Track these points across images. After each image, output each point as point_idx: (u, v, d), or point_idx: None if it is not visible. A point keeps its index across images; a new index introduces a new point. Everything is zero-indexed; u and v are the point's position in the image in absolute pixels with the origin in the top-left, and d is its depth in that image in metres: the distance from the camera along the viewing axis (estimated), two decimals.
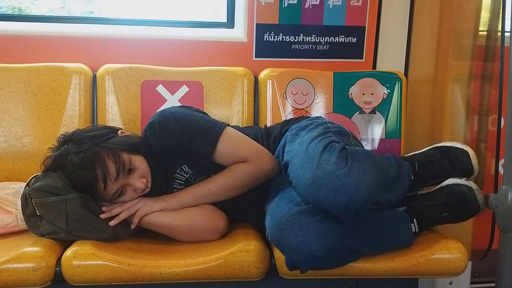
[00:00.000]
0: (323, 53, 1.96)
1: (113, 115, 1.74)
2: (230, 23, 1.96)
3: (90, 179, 1.30)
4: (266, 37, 1.92)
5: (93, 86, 1.76)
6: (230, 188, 1.40)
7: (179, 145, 1.38)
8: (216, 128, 1.40)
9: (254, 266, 1.26)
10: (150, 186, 1.39)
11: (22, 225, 1.44)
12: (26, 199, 1.36)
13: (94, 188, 1.32)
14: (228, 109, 1.79)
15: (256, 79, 1.84)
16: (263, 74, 1.83)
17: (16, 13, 1.93)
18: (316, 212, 1.17)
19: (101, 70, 1.77)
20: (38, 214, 1.35)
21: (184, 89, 1.78)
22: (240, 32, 1.94)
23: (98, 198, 1.36)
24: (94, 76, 1.77)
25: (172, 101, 1.77)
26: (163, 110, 1.43)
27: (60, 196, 1.32)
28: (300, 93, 1.82)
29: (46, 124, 1.71)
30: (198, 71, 1.81)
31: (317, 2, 1.90)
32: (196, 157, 1.40)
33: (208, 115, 1.52)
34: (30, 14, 1.90)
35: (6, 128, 1.69)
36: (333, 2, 1.91)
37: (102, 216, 1.33)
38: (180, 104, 1.74)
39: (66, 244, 1.31)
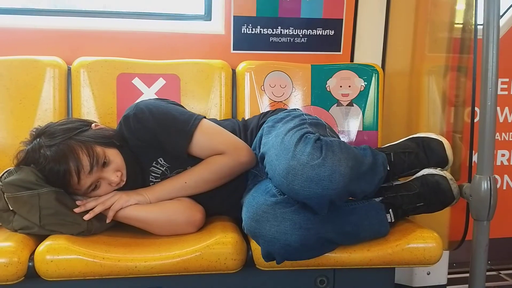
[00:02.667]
0: (301, 46, 1.96)
1: (88, 108, 1.71)
2: (207, 15, 1.95)
3: (63, 173, 1.28)
4: (244, 30, 1.91)
5: (68, 80, 1.73)
6: (206, 181, 1.39)
7: (155, 138, 1.36)
8: (192, 121, 1.38)
9: (231, 258, 1.26)
10: (125, 179, 1.37)
11: None
12: None
13: (68, 182, 1.30)
14: (206, 102, 1.78)
15: (234, 72, 1.83)
16: (240, 67, 1.82)
17: None
18: (292, 203, 1.17)
19: (76, 63, 1.74)
20: (11, 208, 1.32)
21: (160, 82, 1.77)
22: (217, 24, 1.93)
23: (72, 192, 1.34)
24: (69, 70, 1.74)
25: (148, 94, 1.75)
26: (138, 102, 1.41)
27: (33, 190, 1.30)
28: (278, 86, 1.81)
29: (19, 118, 1.68)
30: (175, 64, 1.80)
31: None
32: (172, 150, 1.38)
33: (184, 108, 1.51)
34: (1, 7, 1.85)
35: None
36: None
37: (77, 210, 1.31)
38: (157, 97, 1.72)
39: (39, 239, 1.28)
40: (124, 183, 1.37)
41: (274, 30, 1.93)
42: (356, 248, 1.29)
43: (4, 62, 1.69)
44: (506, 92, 2.25)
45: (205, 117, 1.44)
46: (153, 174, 1.44)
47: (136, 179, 1.41)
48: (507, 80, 2.24)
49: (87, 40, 1.85)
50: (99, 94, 1.72)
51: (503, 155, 2.28)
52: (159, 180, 1.43)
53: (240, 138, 1.47)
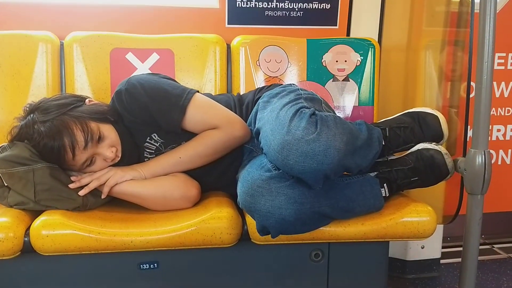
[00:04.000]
0: (296, 20, 1.93)
1: (81, 84, 1.70)
2: None
3: (58, 149, 1.28)
4: (239, 3, 1.89)
5: (61, 55, 1.71)
6: (201, 155, 1.39)
7: (147, 113, 1.35)
8: (185, 95, 1.37)
9: (226, 233, 1.26)
10: (120, 155, 1.37)
11: None
12: None
13: (62, 157, 1.29)
14: (201, 77, 1.77)
15: (228, 47, 1.81)
16: (235, 42, 1.80)
17: None
18: (286, 177, 1.17)
19: (69, 38, 1.71)
20: (5, 184, 1.32)
21: (154, 57, 1.75)
22: None
23: (67, 168, 1.34)
24: (62, 45, 1.72)
25: (142, 69, 1.73)
26: (130, 77, 1.39)
27: (27, 166, 1.29)
28: (274, 61, 1.80)
29: (13, 94, 1.66)
30: (168, 38, 1.77)
31: None
32: (166, 124, 1.38)
33: (177, 82, 1.49)
34: None
35: None
36: None
37: (71, 185, 1.31)
38: (150, 72, 1.71)
39: (35, 214, 1.29)
40: (119, 158, 1.37)
41: (270, 3, 1.90)
42: (351, 222, 1.30)
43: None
44: (503, 67, 2.23)
45: (198, 91, 1.43)
46: (148, 150, 1.44)
47: (131, 155, 1.41)
48: (504, 55, 2.23)
49: (80, 15, 1.82)
50: (92, 69, 1.70)
51: (498, 130, 2.29)
52: (154, 156, 1.43)
53: (235, 113, 1.46)
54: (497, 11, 2.10)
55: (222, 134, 1.38)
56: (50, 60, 1.68)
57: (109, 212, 1.35)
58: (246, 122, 1.44)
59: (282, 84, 1.60)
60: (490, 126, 2.25)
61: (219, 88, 1.78)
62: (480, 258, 1.43)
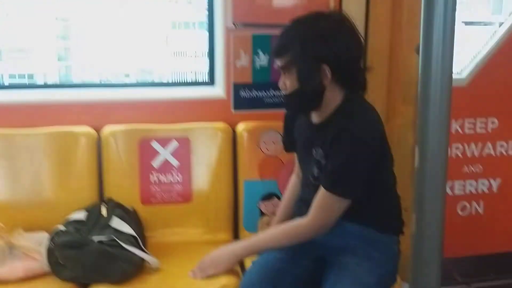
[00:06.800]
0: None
1: (115, 170, 2.08)
2: (211, 82, 2.31)
3: None
4: (242, 94, 2.27)
5: (98, 145, 2.10)
6: (280, 246, 1.65)
7: (339, 158, 1.53)
8: (348, 189, 1.55)
9: None
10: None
11: (47, 270, 1.78)
12: (50, 250, 1.71)
13: None
14: (211, 158, 2.15)
15: (234, 132, 2.19)
16: (239, 128, 2.19)
17: (27, 83, 2.25)
18: None
19: (104, 131, 2.10)
20: (61, 262, 1.70)
21: (174, 144, 2.13)
22: (220, 90, 2.28)
23: None
24: (98, 137, 2.10)
25: (164, 154, 2.11)
26: (373, 131, 1.56)
27: (79, 248, 1.67)
28: (271, 143, 2.18)
29: (60, 178, 2.05)
30: (185, 127, 2.16)
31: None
32: (324, 178, 1.58)
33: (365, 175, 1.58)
34: (39, 83, 2.22)
35: (26, 183, 2.03)
36: None
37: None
38: (173, 157, 2.10)
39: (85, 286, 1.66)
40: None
41: (267, 92, 2.28)
42: None
43: (46, 132, 2.06)
44: (472, 131, 2.59)
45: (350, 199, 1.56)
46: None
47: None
48: (473, 120, 2.57)
49: (112, 109, 2.21)
50: (124, 156, 2.09)
51: (471, 184, 2.63)
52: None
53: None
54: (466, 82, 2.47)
55: (308, 233, 1.59)
56: (89, 150, 2.07)
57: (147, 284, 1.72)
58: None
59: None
60: (464, 181, 2.61)
61: (227, 166, 2.15)
62: None
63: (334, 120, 1.59)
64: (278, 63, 1.59)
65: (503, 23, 2.52)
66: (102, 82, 2.27)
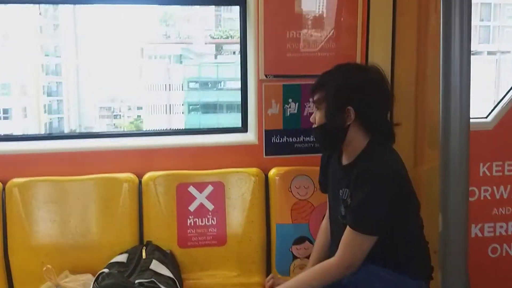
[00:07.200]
0: (319, 150, 2.40)
1: (155, 213, 2.21)
2: (244, 129, 2.44)
3: None
4: (273, 139, 2.39)
5: (139, 190, 2.24)
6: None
7: (361, 196, 1.64)
8: (376, 227, 1.64)
9: None
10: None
11: None
12: None
13: None
14: (245, 203, 2.25)
15: (266, 177, 2.30)
16: (271, 173, 2.29)
17: (77, 133, 2.43)
18: None
19: (146, 177, 2.24)
20: None
21: (209, 188, 2.25)
22: (252, 136, 2.41)
23: None
24: (140, 182, 2.24)
25: (200, 198, 2.23)
26: (392, 170, 1.66)
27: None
28: (302, 187, 2.27)
29: (104, 222, 2.18)
30: (219, 172, 2.29)
31: (313, 110, 2.36)
32: (350, 216, 1.69)
33: (387, 212, 1.66)
34: (90, 132, 2.39)
35: (73, 227, 2.17)
36: None
37: None
38: (208, 202, 2.21)
39: None
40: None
41: (298, 138, 2.39)
42: None
43: (91, 179, 2.21)
44: (500, 173, 2.62)
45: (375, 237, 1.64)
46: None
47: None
48: (500, 163, 2.61)
49: (153, 156, 2.35)
50: (163, 201, 2.22)
51: (501, 226, 2.64)
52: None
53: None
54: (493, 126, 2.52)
55: (336, 272, 1.67)
56: (131, 195, 2.21)
57: None
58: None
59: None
60: (493, 223, 2.63)
61: (260, 210, 2.25)
62: None
63: (358, 162, 1.74)
64: (312, 97, 1.79)
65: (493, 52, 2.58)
66: (143, 131, 2.41)
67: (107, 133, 2.50)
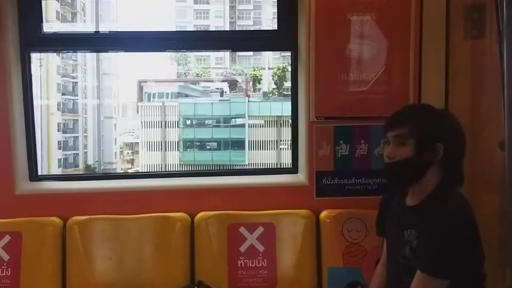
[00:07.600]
0: (371, 192, 2.37)
1: (206, 252, 2.23)
2: (294, 170, 2.45)
3: None
4: (324, 181, 2.38)
5: (191, 229, 2.28)
6: None
7: (438, 238, 1.59)
8: (449, 269, 1.59)
9: None
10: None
11: None
12: None
13: None
14: (295, 245, 2.24)
15: (317, 219, 2.28)
16: (323, 215, 2.28)
17: (131, 173, 2.53)
18: None
19: (198, 217, 2.28)
20: None
21: (260, 229, 2.26)
22: (303, 177, 2.42)
23: None
24: (192, 221, 2.28)
25: (251, 239, 2.24)
26: (470, 214, 1.63)
27: None
28: (355, 230, 2.24)
29: (157, 261, 2.23)
30: (270, 214, 2.30)
31: (365, 152, 2.35)
32: (423, 256, 1.63)
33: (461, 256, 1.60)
34: (143, 172, 2.48)
35: (128, 265, 2.23)
36: (377, 151, 2.34)
37: None
38: (259, 243, 2.21)
39: None
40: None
41: (349, 180, 2.38)
42: None
43: (146, 218, 2.28)
44: None
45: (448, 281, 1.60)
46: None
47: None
48: None
49: (204, 195, 2.40)
50: (214, 240, 2.24)
51: None
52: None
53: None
54: None
55: None
56: (184, 234, 2.25)
57: None
58: None
59: None
60: None
61: (311, 252, 2.23)
62: None
63: (429, 203, 1.69)
64: (390, 134, 1.74)
65: None
66: (195, 171, 2.47)
67: (159, 173, 2.58)
